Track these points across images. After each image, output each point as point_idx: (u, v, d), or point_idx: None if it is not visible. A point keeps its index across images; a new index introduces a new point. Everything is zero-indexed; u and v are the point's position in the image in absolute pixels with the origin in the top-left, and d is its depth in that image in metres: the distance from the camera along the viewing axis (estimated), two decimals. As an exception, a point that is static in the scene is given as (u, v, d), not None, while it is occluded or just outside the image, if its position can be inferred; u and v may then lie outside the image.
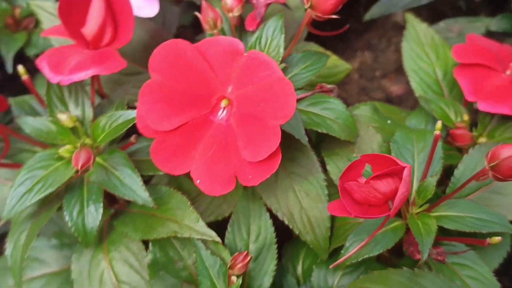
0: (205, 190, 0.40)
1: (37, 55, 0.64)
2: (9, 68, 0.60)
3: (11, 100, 0.51)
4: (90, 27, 0.45)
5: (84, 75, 0.43)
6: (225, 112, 0.42)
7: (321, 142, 0.53)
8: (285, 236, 0.54)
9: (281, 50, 0.48)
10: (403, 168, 0.36)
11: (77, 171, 0.42)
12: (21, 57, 0.63)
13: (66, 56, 0.45)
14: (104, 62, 0.44)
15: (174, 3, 0.64)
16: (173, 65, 0.41)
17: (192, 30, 0.71)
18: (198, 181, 0.41)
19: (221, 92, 0.42)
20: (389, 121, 0.56)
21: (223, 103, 0.42)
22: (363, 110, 0.56)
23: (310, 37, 0.58)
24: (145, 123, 0.41)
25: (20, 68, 0.45)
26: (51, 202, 0.45)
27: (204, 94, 0.42)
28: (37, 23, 0.64)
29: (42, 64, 0.44)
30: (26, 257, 0.52)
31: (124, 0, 0.44)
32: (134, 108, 0.44)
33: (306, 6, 0.46)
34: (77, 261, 0.47)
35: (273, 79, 0.40)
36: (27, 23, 0.64)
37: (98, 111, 0.48)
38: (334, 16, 0.46)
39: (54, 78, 0.43)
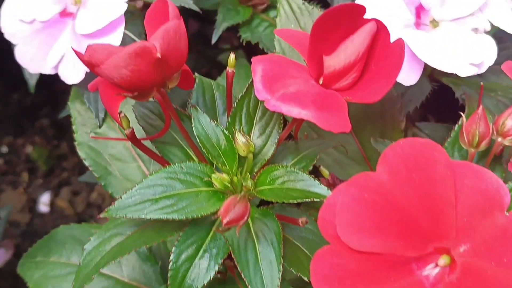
0: None
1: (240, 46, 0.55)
2: (214, 39, 0.51)
3: (196, 79, 0.41)
4: (337, 59, 0.34)
5: (296, 112, 0.32)
6: (437, 270, 0.29)
7: None
8: None
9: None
10: None
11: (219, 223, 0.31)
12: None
13: (287, 73, 0.34)
14: (326, 111, 0.32)
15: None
16: (412, 171, 0.29)
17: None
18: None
19: (449, 244, 0.29)
20: None
21: (443, 260, 0.29)
22: None
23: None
24: (332, 217, 0.29)
25: (232, 58, 0.36)
26: (167, 224, 0.35)
27: (424, 231, 0.29)
28: (268, 7, 0.55)
29: (257, 67, 0.34)
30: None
31: (398, 50, 0.33)
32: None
33: None
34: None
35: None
36: (258, 3, 0.54)
37: (278, 155, 0.37)
38: None
39: (261, 93, 0.33)
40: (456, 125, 0.40)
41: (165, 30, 0.29)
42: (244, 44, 0.53)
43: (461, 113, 0.44)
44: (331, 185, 0.39)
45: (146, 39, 0.43)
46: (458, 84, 0.41)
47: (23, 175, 0.87)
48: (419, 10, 0.40)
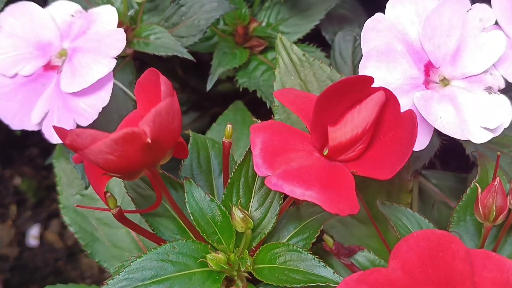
0: None
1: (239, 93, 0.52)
2: (208, 86, 0.48)
3: (191, 137, 0.39)
4: (343, 131, 0.31)
5: (299, 193, 0.29)
6: None
7: None
8: None
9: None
10: None
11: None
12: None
13: (289, 145, 0.32)
14: (332, 190, 0.29)
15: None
16: (427, 267, 0.26)
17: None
18: None
19: None
20: None
21: None
22: None
23: None
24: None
25: (229, 129, 0.33)
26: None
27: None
28: (266, 49, 0.52)
29: (256, 138, 0.31)
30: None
31: (410, 124, 0.30)
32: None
33: None
34: None
35: None
36: (256, 44, 0.52)
37: (278, 223, 0.35)
38: None
39: (261, 169, 0.30)
40: (468, 189, 0.37)
41: (156, 113, 0.26)
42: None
43: (471, 159, 0.42)
44: (336, 255, 0.36)
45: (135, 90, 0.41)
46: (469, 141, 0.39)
47: (11, 208, 0.84)
48: (428, 67, 0.37)
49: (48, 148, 0.86)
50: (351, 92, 0.30)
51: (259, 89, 0.48)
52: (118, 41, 0.39)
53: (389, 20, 0.37)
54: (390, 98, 0.31)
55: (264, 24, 0.53)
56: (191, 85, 0.64)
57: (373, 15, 0.38)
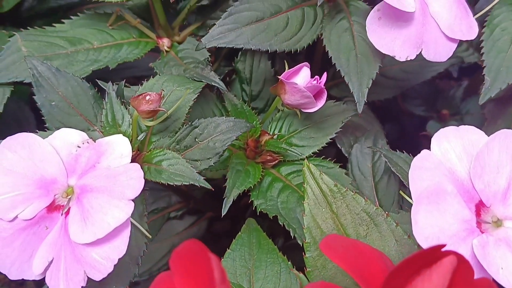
0: None
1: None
2: (224, 210, 0.44)
3: None
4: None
5: None
6: None
7: None
8: None
9: None
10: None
11: None
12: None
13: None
14: None
15: None
16: None
17: None
18: None
19: None
20: None
21: None
22: None
23: None
24: None
25: None
26: None
27: None
28: (279, 163, 0.49)
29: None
30: None
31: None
32: None
33: None
34: None
35: None
36: (269, 159, 0.48)
37: None
38: None
39: None
40: None
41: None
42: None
43: None
44: None
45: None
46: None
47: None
48: (479, 207, 0.34)
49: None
50: (421, 261, 0.27)
51: (280, 215, 0.44)
52: (135, 180, 0.35)
53: (436, 157, 0.34)
54: (461, 262, 0.28)
55: (275, 136, 0.49)
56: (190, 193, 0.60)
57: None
